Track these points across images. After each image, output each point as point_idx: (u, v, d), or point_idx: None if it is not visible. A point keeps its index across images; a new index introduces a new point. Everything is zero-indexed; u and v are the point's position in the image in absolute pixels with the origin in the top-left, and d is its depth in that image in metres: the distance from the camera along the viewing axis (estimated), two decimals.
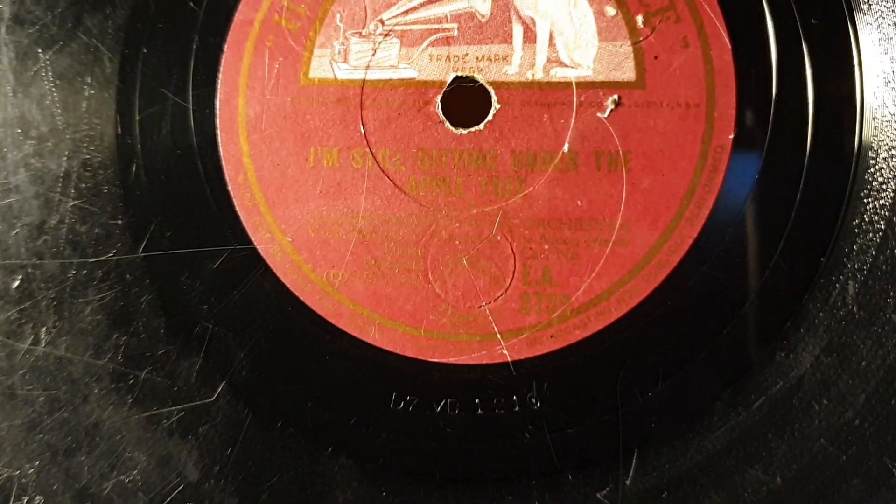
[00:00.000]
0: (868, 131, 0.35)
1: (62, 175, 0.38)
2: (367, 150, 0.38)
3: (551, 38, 0.37)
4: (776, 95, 0.35)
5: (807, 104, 0.35)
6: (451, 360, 0.37)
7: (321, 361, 0.38)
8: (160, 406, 0.38)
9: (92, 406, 0.38)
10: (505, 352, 0.37)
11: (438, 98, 0.37)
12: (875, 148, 0.35)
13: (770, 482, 0.35)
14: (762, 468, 0.35)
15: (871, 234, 0.35)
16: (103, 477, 0.38)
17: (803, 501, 0.35)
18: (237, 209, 0.38)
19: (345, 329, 0.38)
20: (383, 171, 0.38)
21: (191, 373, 0.38)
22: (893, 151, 0.35)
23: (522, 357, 0.37)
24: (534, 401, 0.37)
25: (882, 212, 0.35)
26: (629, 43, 0.36)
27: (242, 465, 0.38)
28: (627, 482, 0.36)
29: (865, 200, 0.35)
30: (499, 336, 0.37)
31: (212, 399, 0.38)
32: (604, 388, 0.36)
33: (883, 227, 0.35)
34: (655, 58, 0.36)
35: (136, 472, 0.38)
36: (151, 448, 0.38)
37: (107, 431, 0.38)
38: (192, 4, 0.39)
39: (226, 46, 0.38)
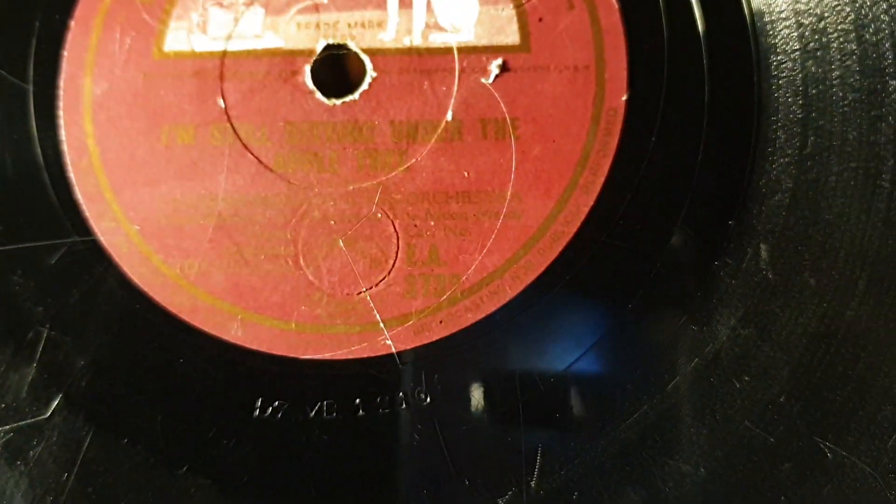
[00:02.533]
0: (768, 82, 0.36)
1: None
2: (228, 125, 0.37)
3: (429, 2, 0.38)
4: (668, 54, 0.37)
5: (702, 61, 0.36)
6: (328, 355, 0.36)
7: (174, 366, 0.36)
8: None
9: None
10: (389, 342, 0.36)
11: (307, 67, 0.38)
12: (777, 102, 0.36)
13: (693, 473, 0.34)
14: (683, 458, 0.34)
15: (779, 194, 0.36)
16: None
17: (731, 491, 0.34)
18: (78, 196, 0.37)
19: (201, 327, 0.36)
20: (246, 148, 0.37)
21: (21, 386, 0.36)
22: (794, 108, 0.36)
23: (409, 347, 0.36)
24: (423, 396, 0.35)
25: (789, 169, 0.36)
26: (511, 6, 0.38)
27: (81, 492, 0.35)
28: (532, 484, 0.35)
29: (771, 158, 0.36)
30: (382, 325, 0.36)
31: (45, 416, 0.36)
32: (501, 377, 0.35)
33: (791, 185, 0.36)
34: (540, 20, 0.37)
35: None
36: None
37: None
38: None
39: (72, 22, 0.38)
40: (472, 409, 0.35)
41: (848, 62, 0.36)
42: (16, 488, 0.35)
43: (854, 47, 0.36)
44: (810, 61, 0.36)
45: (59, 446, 0.35)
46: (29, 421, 0.36)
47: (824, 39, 0.36)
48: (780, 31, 0.36)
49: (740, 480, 0.34)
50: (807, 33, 0.36)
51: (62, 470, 0.35)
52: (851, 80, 0.36)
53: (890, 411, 0.34)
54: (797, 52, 0.36)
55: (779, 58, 0.36)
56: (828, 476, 0.34)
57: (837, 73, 0.36)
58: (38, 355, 0.36)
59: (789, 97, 0.36)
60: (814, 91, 0.36)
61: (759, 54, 0.36)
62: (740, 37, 0.36)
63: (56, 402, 0.36)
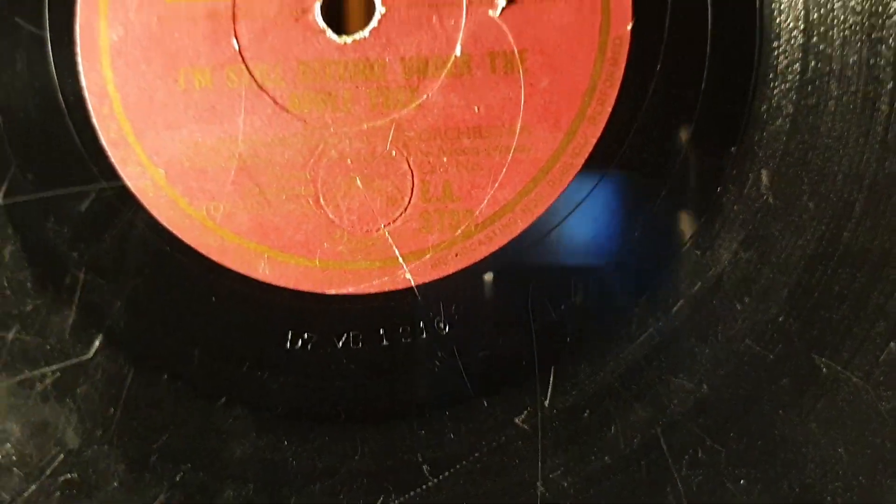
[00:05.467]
0: (770, 8, 0.40)
1: None
2: (243, 66, 0.41)
3: None
4: None
5: None
6: (351, 290, 0.41)
7: (207, 304, 0.41)
8: (32, 368, 0.41)
9: None
10: (408, 276, 0.41)
11: (317, 5, 0.41)
12: (777, 31, 0.40)
13: (696, 391, 0.40)
14: (687, 376, 0.40)
15: (780, 120, 0.40)
16: None
17: (732, 407, 0.40)
18: (103, 143, 0.42)
19: (230, 266, 0.41)
20: (262, 89, 0.41)
21: (63, 328, 0.41)
22: (796, 33, 0.40)
23: (427, 280, 0.40)
24: (442, 326, 0.40)
25: (790, 95, 0.39)
26: None
27: (128, 425, 0.41)
28: (546, 403, 0.40)
29: (772, 84, 0.40)
30: (400, 259, 0.41)
31: (89, 355, 0.41)
32: (514, 305, 0.40)
33: (791, 111, 0.39)
34: None
35: (8, 445, 0.41)
36: (25, 416, 0.41)
37: None
38: None
39: None
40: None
41: None
42: (67, 423, 0.41)
43: None
44: None
45: (104, 383, 0.41)
46: (74, 361, 0.41)
47: None
48: None
49: (741, 396, 0.39)
50: None
51: (108, 405, 0.41)
52: (853, 2, 0.39)
53: (883, 327, 0.39)
54: None
55: None
56: (823, 390, 0.39)
57: None
58: (76, 298, 0.41)
59: (790, 22, 0.39)
60: (815, 15, 0.39)
61: None
62: None
63: (97, 342, 0.41)
